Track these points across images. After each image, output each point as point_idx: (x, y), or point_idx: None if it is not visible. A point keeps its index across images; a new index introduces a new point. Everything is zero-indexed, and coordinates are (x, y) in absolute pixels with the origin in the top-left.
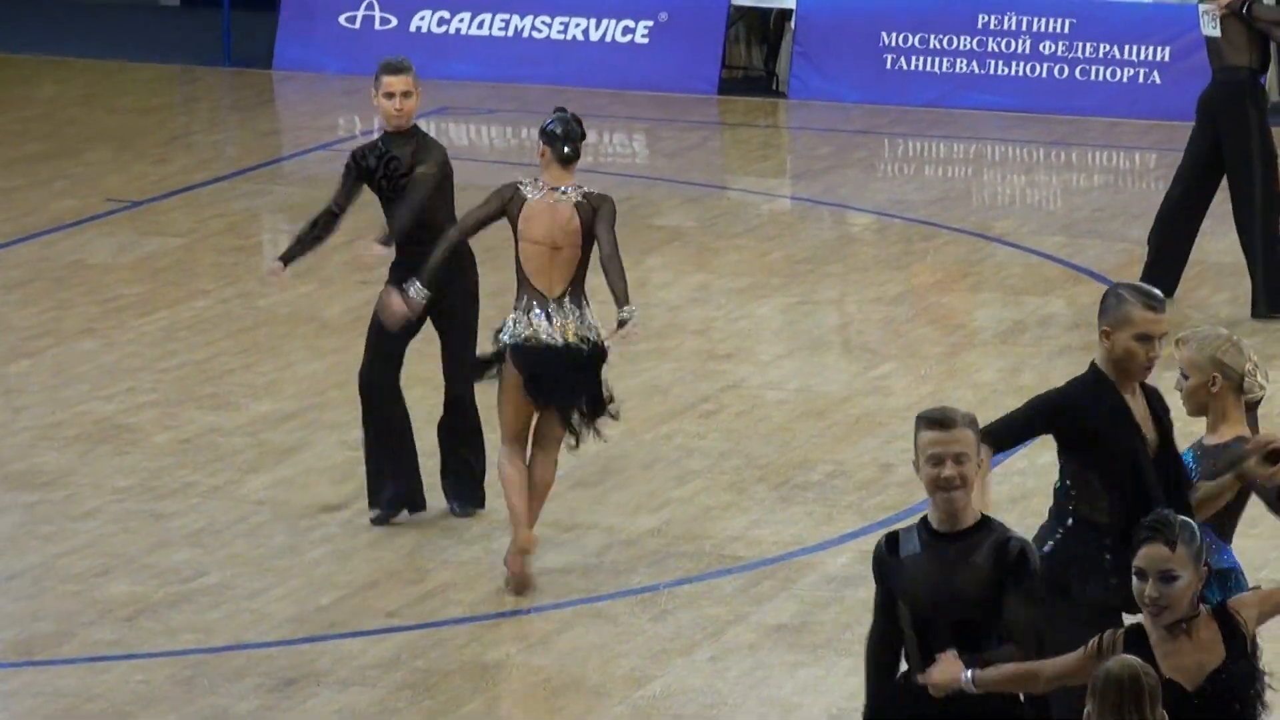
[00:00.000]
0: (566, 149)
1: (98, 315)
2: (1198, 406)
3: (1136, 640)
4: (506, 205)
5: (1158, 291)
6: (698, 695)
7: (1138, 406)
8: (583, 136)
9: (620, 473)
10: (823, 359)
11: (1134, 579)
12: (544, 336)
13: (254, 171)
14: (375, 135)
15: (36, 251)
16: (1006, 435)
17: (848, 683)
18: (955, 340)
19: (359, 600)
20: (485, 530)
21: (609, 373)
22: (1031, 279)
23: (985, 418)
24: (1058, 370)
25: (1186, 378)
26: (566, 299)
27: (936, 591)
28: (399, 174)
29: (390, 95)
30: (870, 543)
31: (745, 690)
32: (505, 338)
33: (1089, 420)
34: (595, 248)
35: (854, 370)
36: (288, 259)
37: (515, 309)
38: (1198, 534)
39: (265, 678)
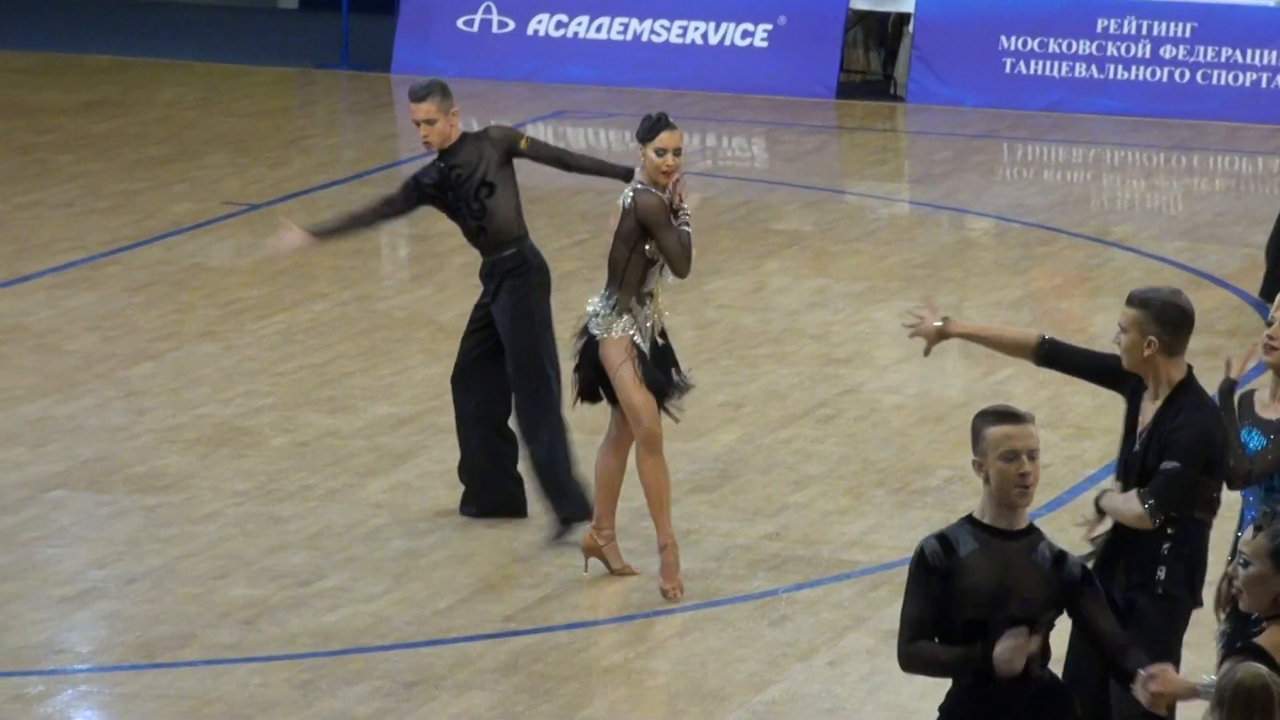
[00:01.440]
0: None
1: (217, 318)
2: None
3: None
4: None
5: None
6: (816, 700)
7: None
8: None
9: (738, 478)
10: (941, 364)
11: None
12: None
13: (371, 175)
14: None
15: (158, 254)
16: None
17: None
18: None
19: (477, 604)
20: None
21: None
22: (1151, 284)
23: (1105, 424)
24: None
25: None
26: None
27: (1000, 590)
28: (464, 180)
29: (416, 124)
30: None
31: (863, 695)
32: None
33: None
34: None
35: (972, 375)
36: (320, 232)
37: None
38: None
39: (383, 681)
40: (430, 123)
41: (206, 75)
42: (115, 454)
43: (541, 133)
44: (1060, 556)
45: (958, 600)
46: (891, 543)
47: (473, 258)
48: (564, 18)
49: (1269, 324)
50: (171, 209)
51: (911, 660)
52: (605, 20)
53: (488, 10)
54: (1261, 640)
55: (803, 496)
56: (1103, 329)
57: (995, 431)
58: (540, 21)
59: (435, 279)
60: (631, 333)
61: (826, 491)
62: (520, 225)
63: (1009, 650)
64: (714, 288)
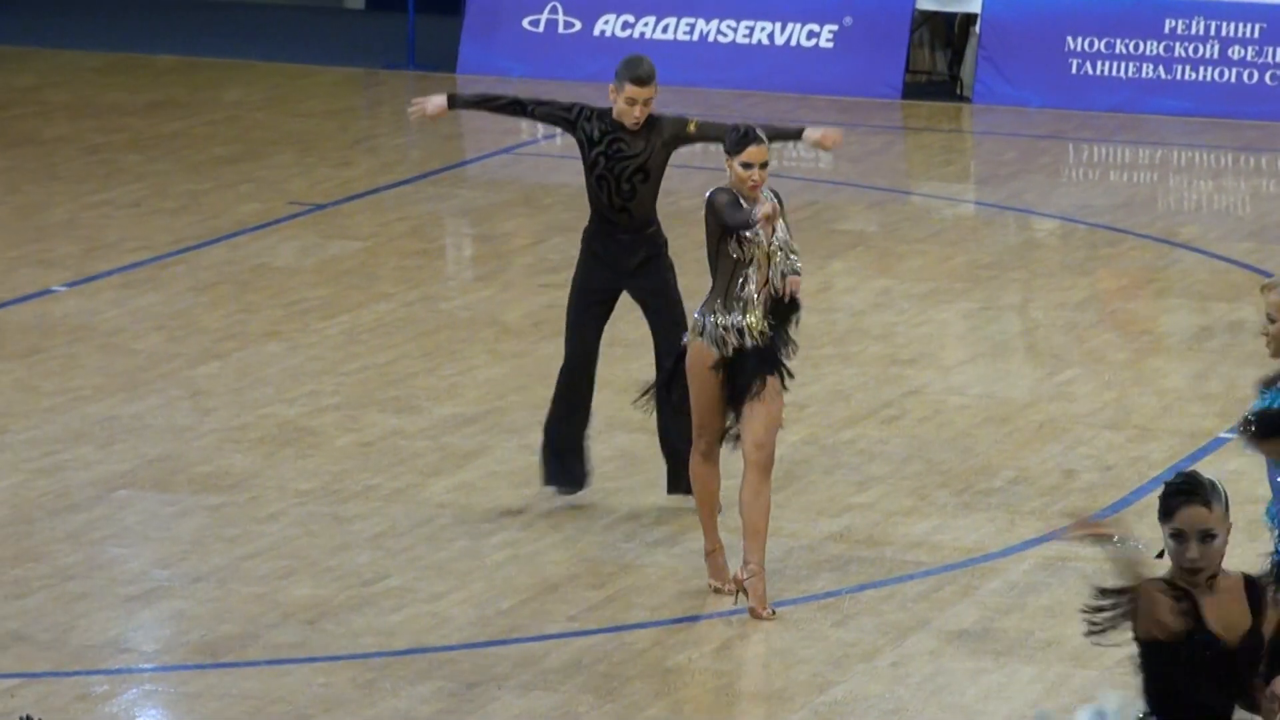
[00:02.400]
0: None
1: (282, 318)
2: None
3: (1183, 595)
4: None
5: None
6: (879, 701)
7: None
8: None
9: (802, 478)
10: (1006, 364)
11: (1171, 541)
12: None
13: (437, 175)
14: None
15: (223, 254)
16: None
17: (1030, 690)
18: (1140, 346)
19: (540, 604)
20: (668, 534)
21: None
22: (1219, 285)
23: (1171, 425)
24: (1245, 377)
25: (1273, 321)
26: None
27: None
28: (622, 159)
29: (632, 103)
30: (1054, 549)
31: (926, 696)
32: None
33: None
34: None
35: (1037, 376)
36: (456, 102)
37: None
38: (1224, 491)
39: (446, 681)
40: (648, 104)
41: (273, 75)
42: (181, 453)
43: None
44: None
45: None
46: (955, 544)
47: (536, 259)
48: (630, 18)
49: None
50: (237, 209)
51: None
52: (671, 21)
53: (554, 10)
54: None
55: (867, 497)
56: (1170, 329)
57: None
58: (607, 22)
59: (499, 279)
60: (704, 341)
61: (890, 492)
62: (655, 209)
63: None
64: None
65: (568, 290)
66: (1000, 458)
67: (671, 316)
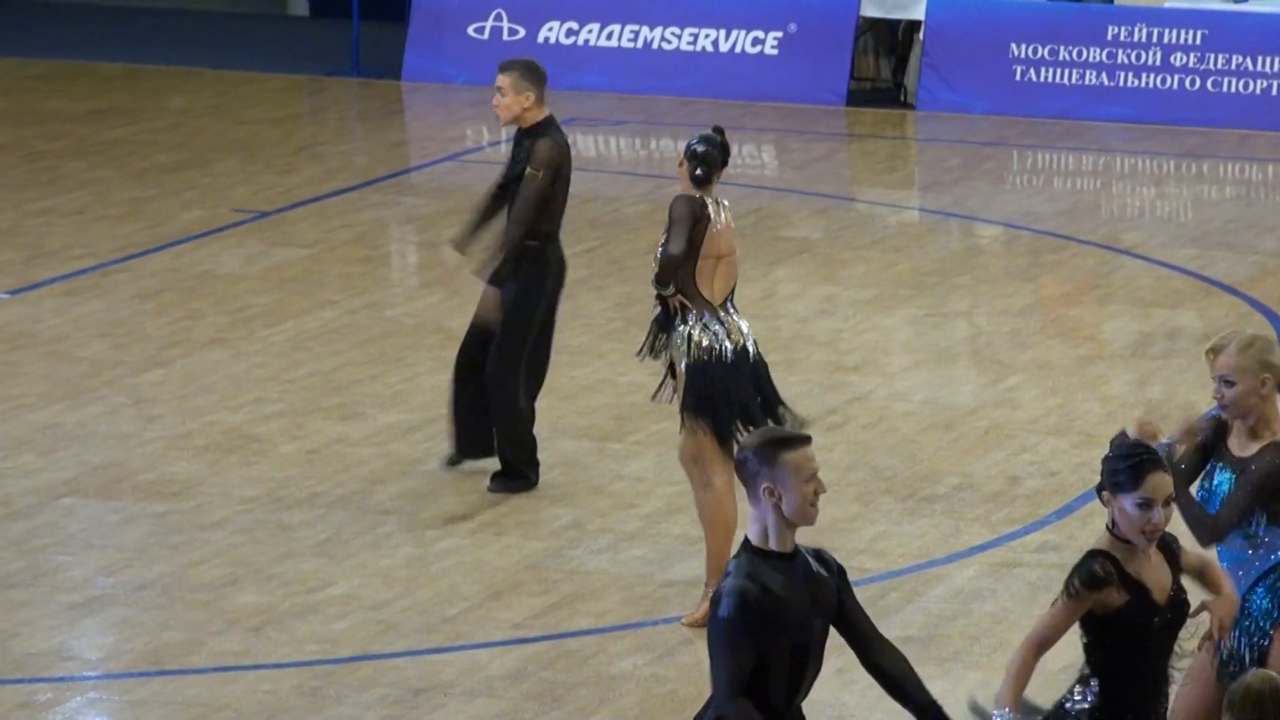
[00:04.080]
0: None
1: (226, 325)
2: (1244, 411)
3: (1111, 559)
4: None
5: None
6: (824, 708)
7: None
8: (718, 162)
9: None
10: (950, 371)
11: (1134, 510)
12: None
13: (382, 182)
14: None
15: (167, 261)
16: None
17: (976, 695)
18: (1084, 353)
19: (485, 611)
20: (612, 541)
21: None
22: (1161, 291)
23: (1114, 432)
24: (1186, 383)
25: (1231, 384)
26: (730, 304)
27: (812, 610)
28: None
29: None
30: (998, 555)
31: (872, 703)
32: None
33: None
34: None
35: (982, 382)
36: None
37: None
38: None
39: (392, 688)
40: (500, 92)
41: (217, 82)
42: (124, 461)
43: None
44: (820, 556)
45: (781, 631)
46: (900, 550)
47: None
48: (575, 25)
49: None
50: (181, 216)
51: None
52: (616, 28)
53: (498, 17)
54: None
55: None
56: (1112, 336)
57: (796, 456)
58: (551, 29)
59: (444, 286)
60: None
61: (835, 499)
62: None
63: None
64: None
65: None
66: (945, 464)
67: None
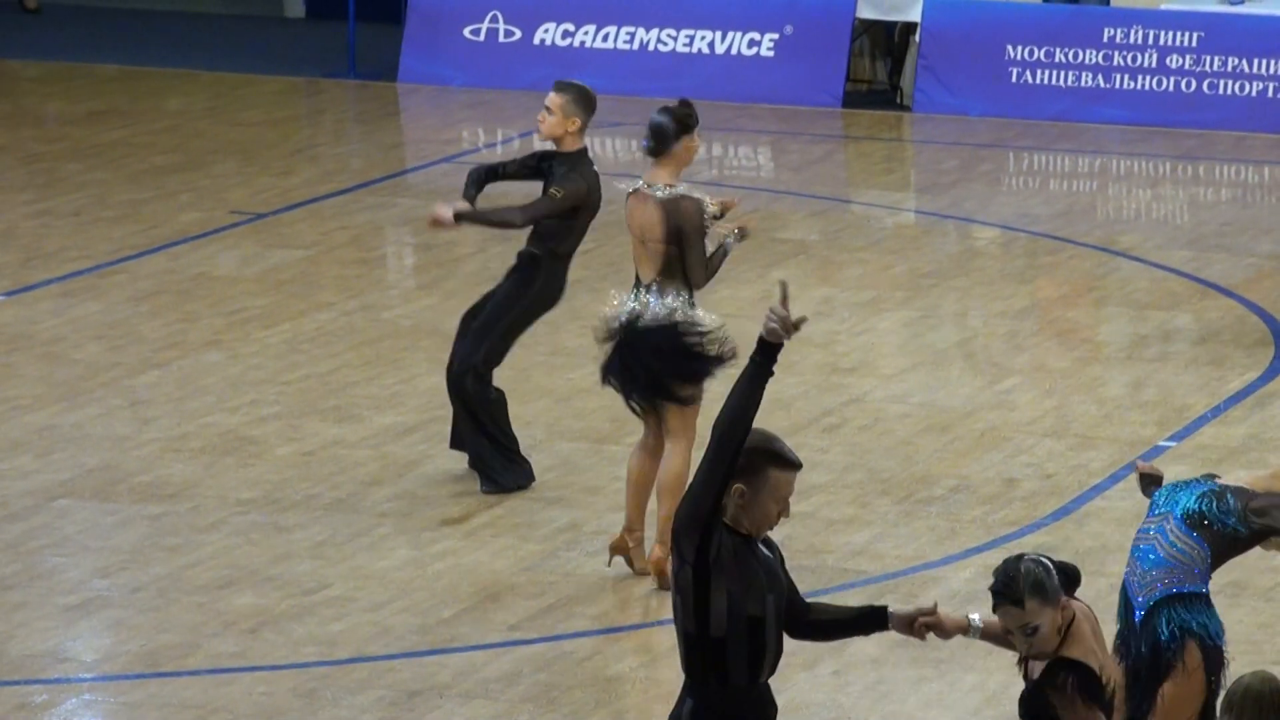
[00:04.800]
0: (646, 143)
1: (223, 327)
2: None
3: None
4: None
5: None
6: (821, 710)
7: None
8: (669, 131)
9: None
10: (946, 373)
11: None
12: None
13: (378, 184)
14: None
15: (163, 263)
16: None
17: (971, 698)
18: (1080, 355)
19: (481, 613)
20: (607, 543)
21: None
22: (1157, 293)
23: (1110, 434)
24: (1183, 385)
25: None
26: (653, 288)
27: (770, 581)
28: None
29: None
30: (995, 558)
31: (868, 705)
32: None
33: None
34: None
35: (978, 384)
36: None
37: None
38: (1041, 574)
39: (388, 690)
40: (549, 110)
41: (213, 85)
42: (120, 463)
43: (547, 143)
44: (767, 541)
45: (740, 598)
46: (896, 552)
47: (478, 267)
48: (570, 27)
49: None
50: (178, 218)
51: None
52: (612, 30)
53: (494, 19)
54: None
55: (808, 505)
56: (1109, 337)
57: (780, 476)
58: (547, 31)
59: (441, 288)
60: None
61: (831, 501)
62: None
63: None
64: (720, 296)
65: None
66: (941, 466)
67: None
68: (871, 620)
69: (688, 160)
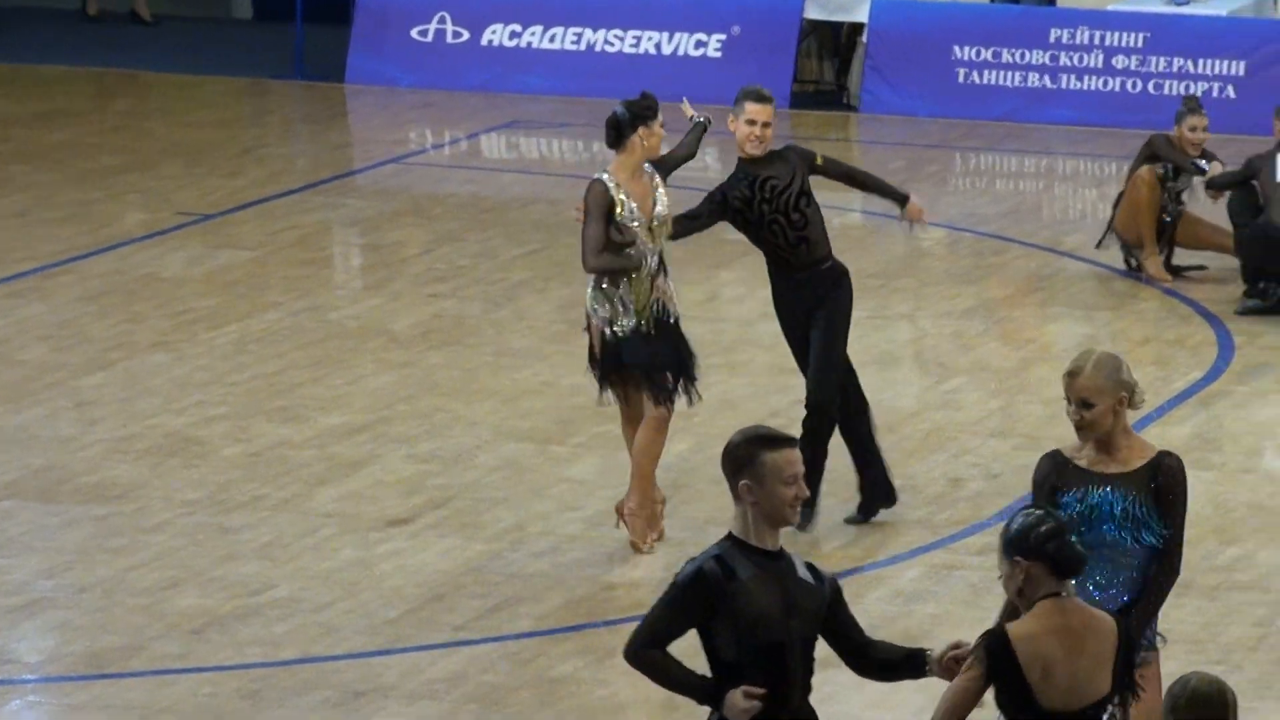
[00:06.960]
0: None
1: (169, 328)
2: (1104, 430)
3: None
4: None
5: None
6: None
7: None
8: (623, 121)
9: (690, 487)
10: (893, 373)
11: None
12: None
13: (325, 185)
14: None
15: (111, 264)
16: None
17: (915, 699)
18: (1026, 355)
19: (426, 614)
20: (553, 544)
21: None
22: (1102, 293)
23: (1057, 434)
24: None
25: (1091, 405)
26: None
27: (787, 609)
28: (780, 191)
29: (752, 123)
30: (939, 557)
31: (814, 705)
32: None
33: None
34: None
35: (924, 384)
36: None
37: None
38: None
39: (333, 691)
40: (768, 125)
41: (161, 85)
42: (66, 464)
43: (495, 143)
44: (812, 567)
45: (750, 623)
46: (842, 552)
47: (425, 268)
48: (518, 28)
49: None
50: (125, 219)
51: (642, 662)
52: (559, 30)
53: (442, 20)
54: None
55: None
56: (1054, 337)
57: (777, 457)
58: (494, 31)
59: (388, 289)
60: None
61: None
62: (827, 234)
63: (741, 712)
64: None
65: (455, 300)
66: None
67: (822, 344)
68: (913, 665)
69: (652, 151)
